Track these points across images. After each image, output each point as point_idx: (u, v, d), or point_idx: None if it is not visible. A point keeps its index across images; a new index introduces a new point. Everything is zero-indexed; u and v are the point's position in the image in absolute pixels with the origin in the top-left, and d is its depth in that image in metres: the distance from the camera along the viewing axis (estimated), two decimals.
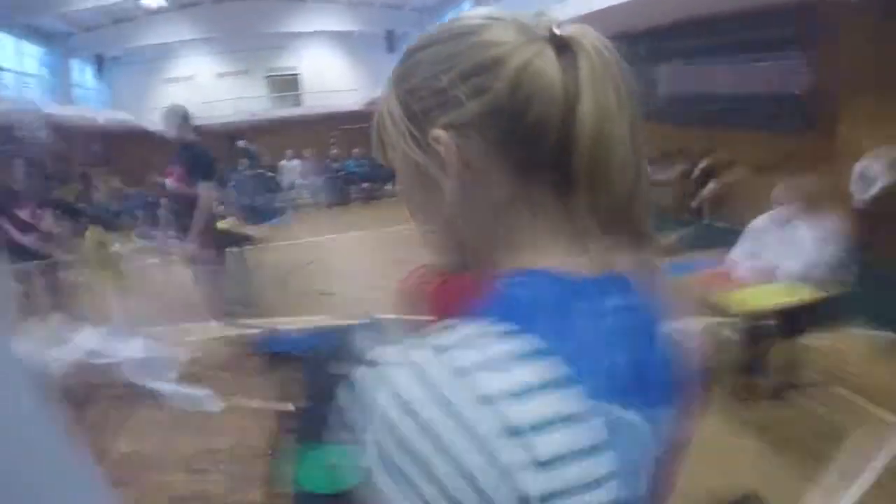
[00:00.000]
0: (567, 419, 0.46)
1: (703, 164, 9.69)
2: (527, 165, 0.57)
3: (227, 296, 4.93)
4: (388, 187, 14.21)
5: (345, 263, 8.53)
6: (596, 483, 0.47)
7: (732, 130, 9.69)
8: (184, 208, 4.58)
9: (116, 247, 4.80)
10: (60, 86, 20.78)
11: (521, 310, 0.52)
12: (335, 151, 15.41)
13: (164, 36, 21.35)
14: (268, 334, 4.66)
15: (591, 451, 0.47)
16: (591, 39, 0.56)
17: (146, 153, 17.57)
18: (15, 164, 5.66)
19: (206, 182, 4.54)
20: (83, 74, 22.42)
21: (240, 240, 7.61)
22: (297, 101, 22.38)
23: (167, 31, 21.28)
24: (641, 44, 11.45)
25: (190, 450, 3.94)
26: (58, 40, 20.73)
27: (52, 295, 5.72)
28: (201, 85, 22.05)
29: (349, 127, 19.75)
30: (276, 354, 4.38)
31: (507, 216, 0.59)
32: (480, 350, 0.48)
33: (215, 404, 4.42)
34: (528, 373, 0.47)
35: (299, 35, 22.02)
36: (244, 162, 13.24)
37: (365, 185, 13.93)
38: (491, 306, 0.54)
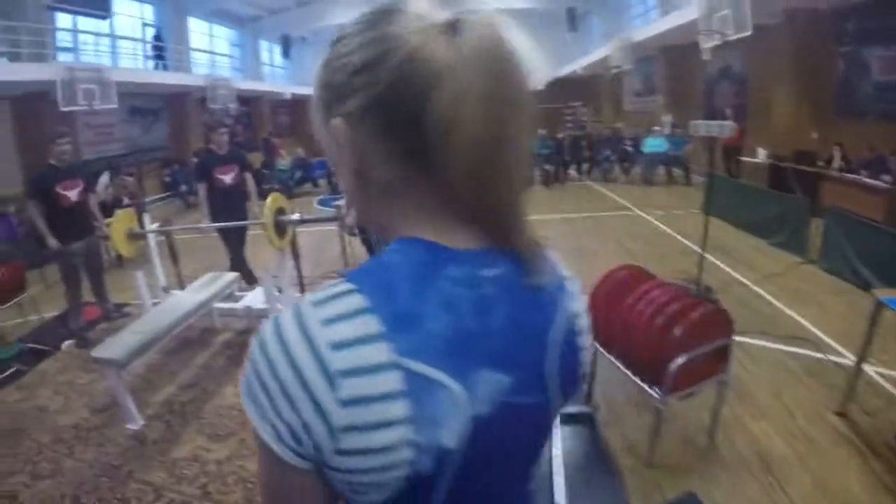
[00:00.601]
0: (369, 369, 0.56)
1: None
2: (410, 149, 0.61)
3: None
4: (572, 171, 13.57)
5: None
6: (387, 424, 0.57)
7: None
8: None
9: (295, 215, 4.75)
10: (250, 64, 22.35)
11: (368, 274, 0.62)
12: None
13: (346, 16, 21.93)
14: None
15: (385, 397, 0.56)
16: (484, 26, 0.60)
17: None
18: (220, 132, 5.89)
19: None
20: (271, 54, 23.99)
21: None
22: None
23: (350, 12, 21.86)
24: (852, 21, 9.92)
25: None
26: (247, 23, 22.42)
27: (236, 254, 5.96)
28: None
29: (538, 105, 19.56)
30: None
31: (395, 195, 0.66)
32: (335, 314, 0.58)
33: None
34: (350, 328, 0.57)
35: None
36: None
37: (548, 166, 13.01)
38: (365, 279, 0.62)
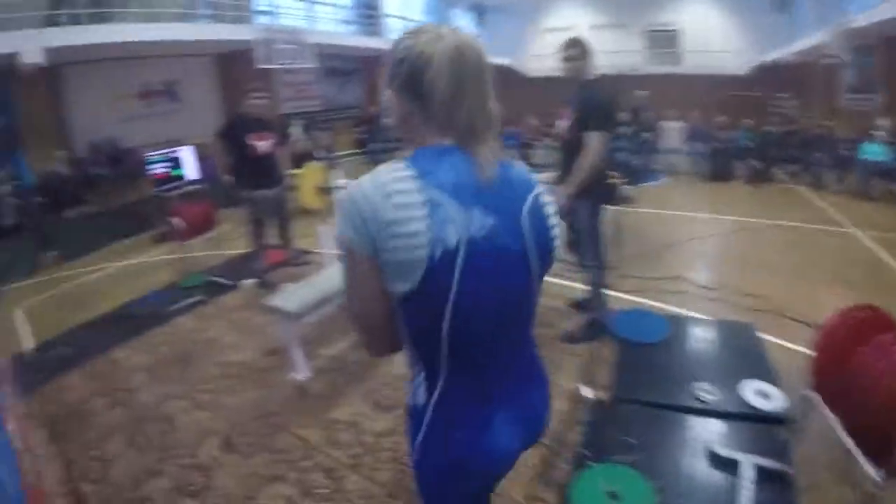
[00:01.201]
0: (407, 191, 1.09)
1: None
2: (421, 105, 1.18)
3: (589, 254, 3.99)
4: (778, 170, 11.54)
5: (716, 251, 6.64)
6: (415, 219, 1.08)
7: None
8: (568, 155, 3.75)
9: None
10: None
11: (412, 158, 1.17)
12: (722, 119, 12.65)
13: None
14: (613, 311, 3.97)
15: (415, 205, 1.09)
16: (452, 34, 1.18)
17: (523, 97, 17.95)
18: None
19: (598, 132, 3.61)
20: (464, 22, 23.91)
21: (618, 198, 6.73)
22: (675, 60, 20.73)
23: None
24: None
25: None
26: None
27: None
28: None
29: (736, 93, 17.85)
30: (609, 332, 3.60)
31: (420, 128, 1.21)
32: (391, 169, 1.13)
33: None
34: (399, 173, 1.12)
35: None
36: (626, 116, 12.07)
37: (753, 162, 11.18)
38: (408, 157, 1.17)
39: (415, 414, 1.30)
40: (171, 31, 10.39)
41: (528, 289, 1.25)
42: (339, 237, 1.15)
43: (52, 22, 9.06)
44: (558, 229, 1.29)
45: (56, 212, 9.18)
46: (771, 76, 17.77)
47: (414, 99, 1.17)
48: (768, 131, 11.88)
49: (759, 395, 3.08)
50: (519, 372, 1.34)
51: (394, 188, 1.09)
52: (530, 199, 1.22)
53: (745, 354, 3.41)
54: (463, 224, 1.11)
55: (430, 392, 1.25)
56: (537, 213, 1.24)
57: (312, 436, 3.02)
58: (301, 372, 3.55)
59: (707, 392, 3.06)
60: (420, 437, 1.28)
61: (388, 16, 18.83)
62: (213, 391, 3.56)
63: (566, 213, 3.72)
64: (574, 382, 3.38)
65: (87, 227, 8.70)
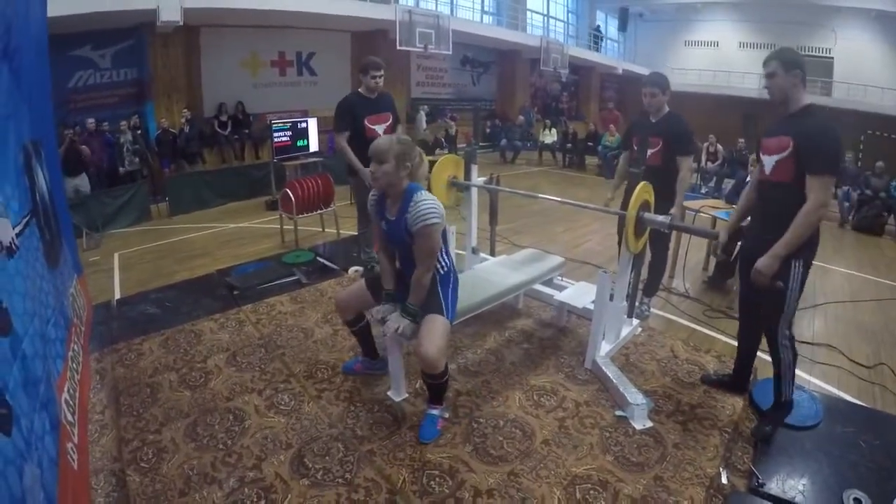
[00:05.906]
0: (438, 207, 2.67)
1: None
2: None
3: None
4: None
5: (871, 321, 4.83)
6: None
7: None
8: (771, 201, 2.82)
9: (663, 216, 3.06)
10: (585, 33, 21.82)
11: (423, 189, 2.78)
12: (881, 164, 10.42)
13: None
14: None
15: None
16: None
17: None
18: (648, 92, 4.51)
19: (823, 176, 2.60)
20: (607, 25, 23.12)
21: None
22: (826, 90, 18.90)
23: None
24: None
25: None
26: None
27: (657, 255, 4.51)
28: (722, 53, 20.48)
29: (883, 134, 16.15)
30: None
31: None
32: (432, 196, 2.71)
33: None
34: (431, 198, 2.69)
35: (838, 11, 17.98)
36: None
37: None
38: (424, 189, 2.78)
39: (445, 272, 2.77)
40: (312, 3, 10.37)
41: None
42: (438, 223, 2.57)
43: None
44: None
45: (174, 166, 9.34)
46: None
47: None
48: None
49: None
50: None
51: (436, 202, 2.62)
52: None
53: None
54: None
55: (448, 266, 2.80)
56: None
57: (399, 477, 2.43)
58: (399, 393, 3.03)
59: None
60: (451, 281, 2.78)
61: (531, 11, 18.34)
62: (294, 393, 3.08)
63: (773, 277, 2.66)
64: (715, 465, 2.58)
65: (202, 184, 8.69)
